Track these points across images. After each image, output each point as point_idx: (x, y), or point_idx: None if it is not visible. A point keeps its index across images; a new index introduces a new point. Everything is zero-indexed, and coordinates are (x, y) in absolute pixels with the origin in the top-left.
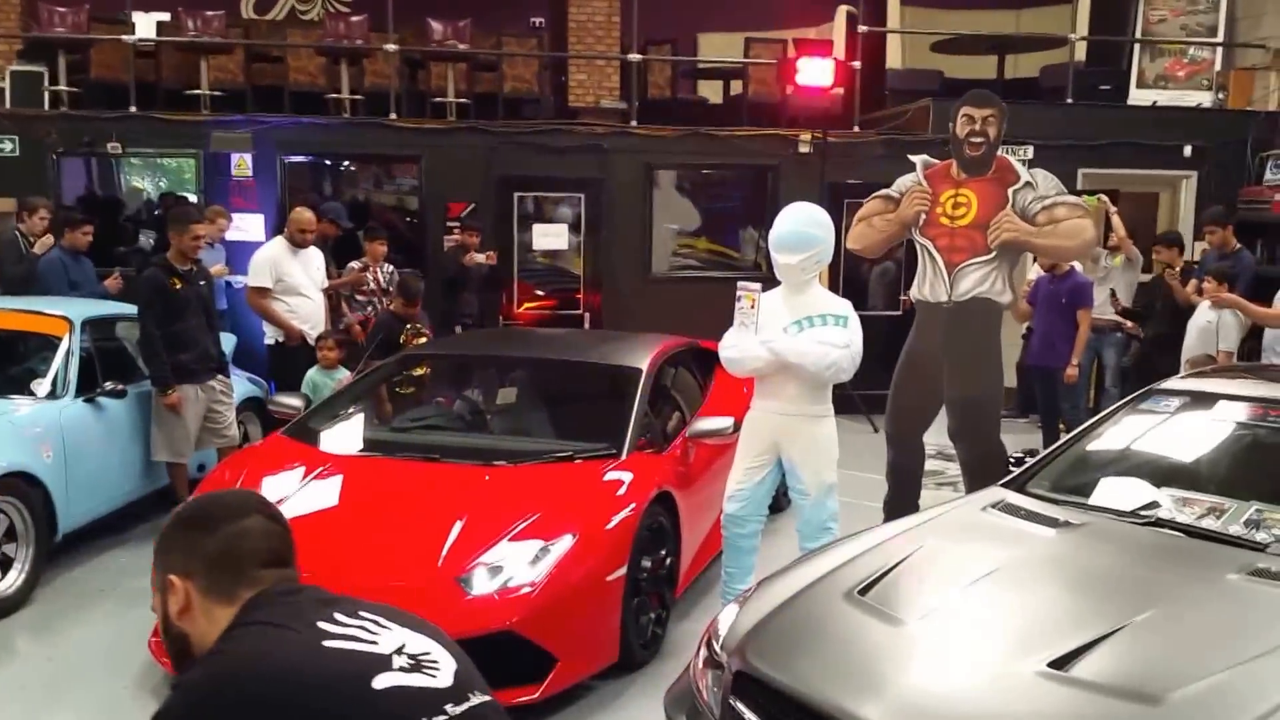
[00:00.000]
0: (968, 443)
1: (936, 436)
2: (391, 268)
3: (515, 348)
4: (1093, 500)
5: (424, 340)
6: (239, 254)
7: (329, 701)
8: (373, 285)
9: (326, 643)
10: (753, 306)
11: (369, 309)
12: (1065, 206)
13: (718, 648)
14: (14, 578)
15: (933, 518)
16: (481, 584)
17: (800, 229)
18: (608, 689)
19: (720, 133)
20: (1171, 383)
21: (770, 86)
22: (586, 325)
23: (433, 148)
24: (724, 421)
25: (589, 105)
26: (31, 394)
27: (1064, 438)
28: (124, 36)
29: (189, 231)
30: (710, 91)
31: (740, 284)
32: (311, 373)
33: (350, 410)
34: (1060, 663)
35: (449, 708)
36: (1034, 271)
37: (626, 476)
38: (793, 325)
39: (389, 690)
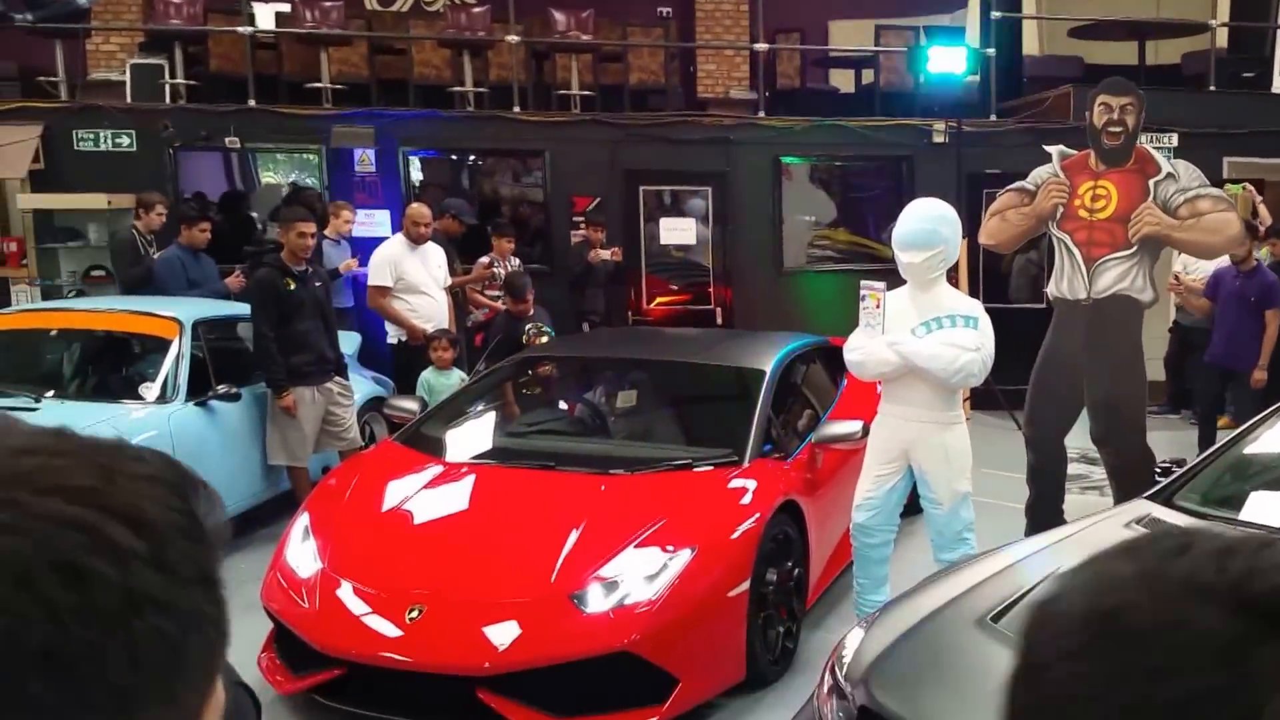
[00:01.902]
0: (1113, 447)
1: (1080, 439)
2: (519, 262)
3: (636, 348)
4: (1244, 515)
5: (545, 340)
6: (366, 250)
7: None
8: (501, 281)
9: None
10: (878, 306)
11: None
12: (1209, 199)
13: (841, 676)
14: None
15: (1071, 534)
16: (597, 601)
17: (924, 226)
18: (736, 706)
19: (850, 123)
20: None
21: (902, 75)
22: (719, 321)
23: (557, 141)
24: (852, 426)
25: (718, 96)
26: (140, 398)
27: (1213, 448)
28: (241, 29)
29: (294, 229)
30: (842, 81)
31: (864, 283)
32: (426, 374)
33: (465, 415)
34: None
35: None
36: (1179, 264)
37: (749, 485)
38: (921, 326)
39: None
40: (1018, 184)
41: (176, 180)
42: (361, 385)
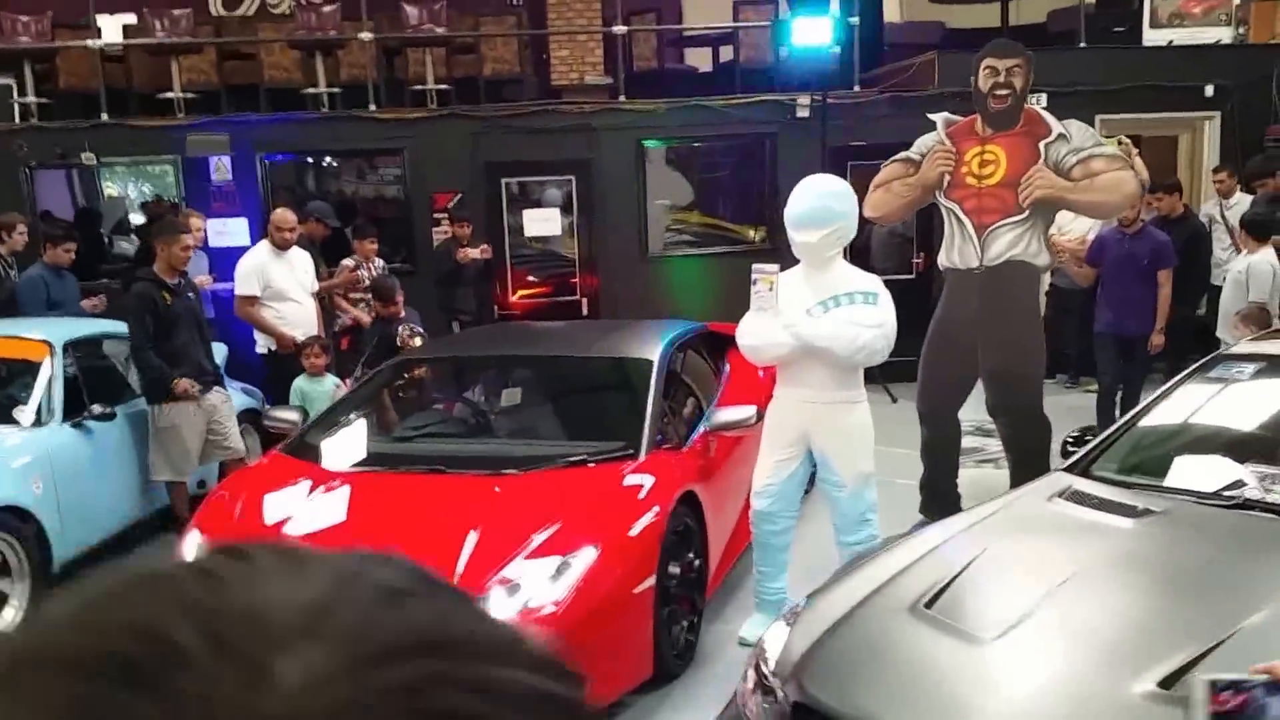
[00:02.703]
0: (1009, 417)
1: (974, 411)
2: (383, 263)
3: (516, 344)
4: (1169, 482)
5: (419, 341)
6: (223, 260)
7: None
8: (367, 284)
9: None
10: (771, 289)
11: (362, 306)
12: (1102, 159)
13: (768, 672)
14: (10, 615)
15: (993, 512)
16: (500, 605)
17: (820, 203)
18: (642, 704)
19: (714, 102)
20: (1241, 346)
21: (762, 50)
22: (585, 311)
23: (415, 138)
24: (746, 411)
25: (573, 83)
26: (15, 423)
27: (1128, 414)
28: (89, 42)
29: (178, 242)
30: (699, 60)
31: (756, 266)
32: (299, 381)
33: (349, 422)
34: (1170, 681)
35: None
36: (1054, 225)
37: (647, 478)
38: (817, 306)
39: None
40: (902, 154)
41: (34, 201)
42: (233, 398)
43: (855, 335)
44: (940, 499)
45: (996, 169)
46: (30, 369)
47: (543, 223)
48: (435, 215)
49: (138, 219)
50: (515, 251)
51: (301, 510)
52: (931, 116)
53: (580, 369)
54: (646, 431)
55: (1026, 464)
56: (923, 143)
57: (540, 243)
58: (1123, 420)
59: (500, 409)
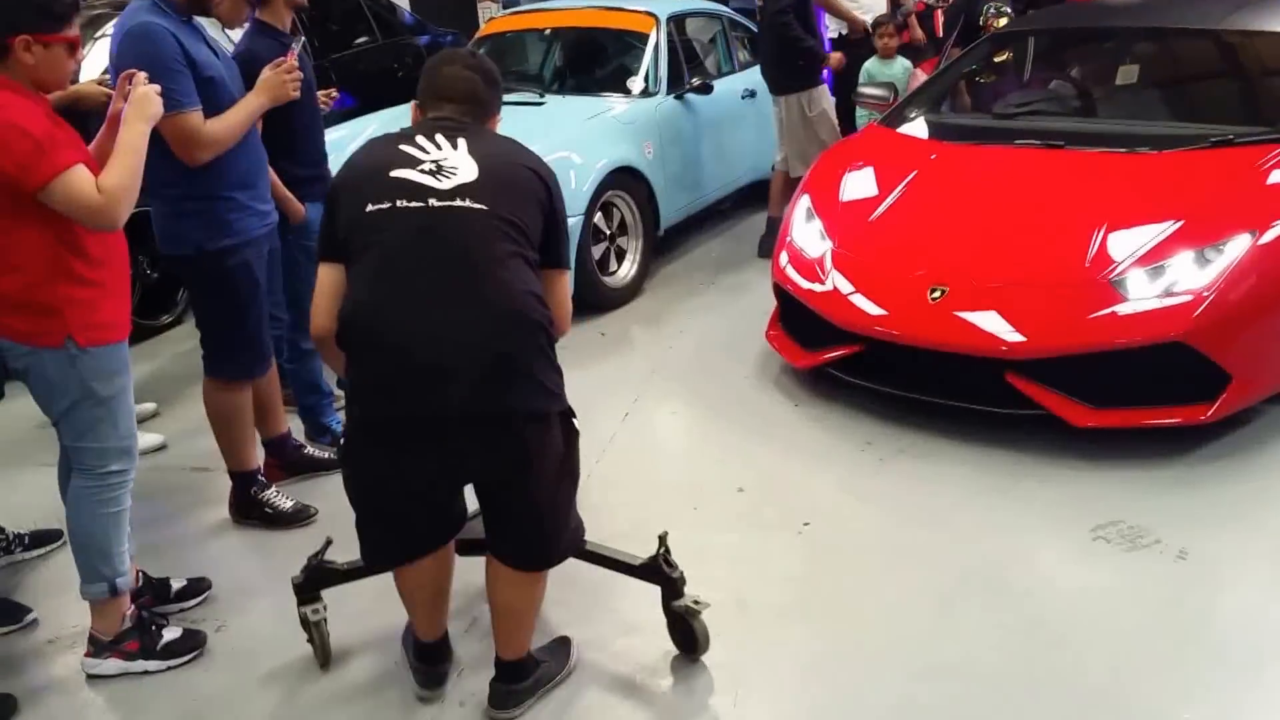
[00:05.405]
0: None
1: None
2: None
3: (1127, 17)
4: None
5: (1004, 23)
6: None
7: (361, 175)
8: None
9: (400, 145)
10: None
11: None
12: None
13: None
14: (627, 269)
15: None
16: (1139, 287)
17: None
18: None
19: None
20: None
21: None
22: None
23: None
24: None
25: None
26: (628, 91)
27: None
28: None
29: None
30: None
31: None
32: (868, 64)
33: (947, 98)
34: None
35: (431, 201)
36: None
37: None
38: None
39: (395, 177)
40: None
41: None
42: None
43: None
44: None
45: None
46: (640, 41)
47: None
48: None
49: None
50: None
51: (912, 180)
52: None
53: (1209, 44)
54: None
55: None
56: None
57: None
58: None
59: (1115, 88)
